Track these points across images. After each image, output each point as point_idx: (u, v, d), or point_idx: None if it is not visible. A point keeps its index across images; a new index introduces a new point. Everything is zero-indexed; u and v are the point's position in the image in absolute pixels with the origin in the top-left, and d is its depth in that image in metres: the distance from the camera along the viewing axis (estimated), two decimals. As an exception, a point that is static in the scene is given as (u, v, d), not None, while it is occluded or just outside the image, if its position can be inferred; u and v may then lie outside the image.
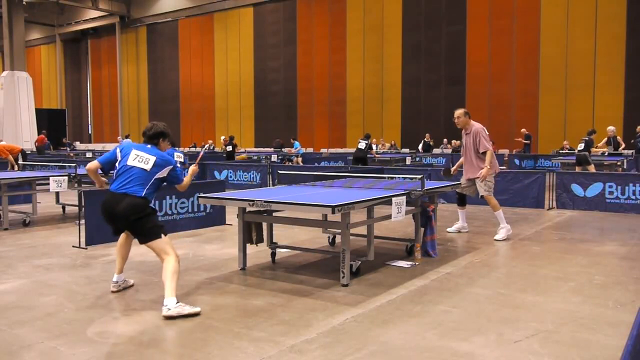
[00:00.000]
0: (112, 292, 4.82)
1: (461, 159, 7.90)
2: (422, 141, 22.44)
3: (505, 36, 23.45)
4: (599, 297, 4.66)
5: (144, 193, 4.48)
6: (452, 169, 7.99)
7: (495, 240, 7.23)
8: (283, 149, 23.23)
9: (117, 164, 4.63)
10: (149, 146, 4.72)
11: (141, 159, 4.58)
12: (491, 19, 23.77)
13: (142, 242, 4.51)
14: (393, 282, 5.15)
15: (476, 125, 7.57)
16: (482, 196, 7.55)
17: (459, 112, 7.70)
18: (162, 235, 4.48)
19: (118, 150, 4.72)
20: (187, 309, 4.21)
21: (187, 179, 4.92)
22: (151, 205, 4.57)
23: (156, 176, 4.58)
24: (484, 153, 7.44)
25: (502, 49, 23.56)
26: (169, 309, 4.16)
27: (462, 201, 8.06)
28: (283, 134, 26.57)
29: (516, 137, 21.54)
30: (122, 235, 4.84)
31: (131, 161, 4.57)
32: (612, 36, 21.07)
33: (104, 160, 4.76)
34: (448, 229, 7.95)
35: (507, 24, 23.39)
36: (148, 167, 4.55)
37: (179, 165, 5.15)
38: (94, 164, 4.76)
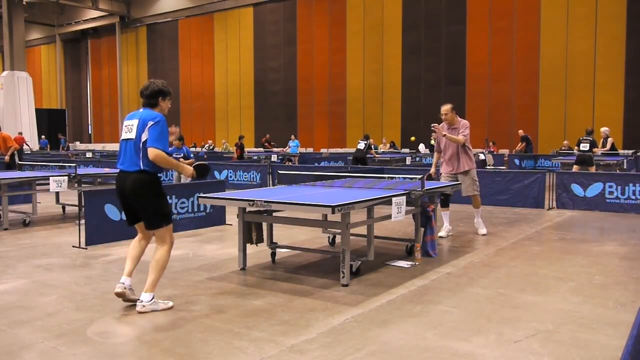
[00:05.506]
0: (116, 293, 4.30)
1: (435, 157, 7.62)
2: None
3: (505, 36, 23.44)
4: (599, 297, 4.66)
5: (141, 165, 4.06)
6: (432, 171, 7.68)
7: (484, 235, 7.51)
8: (273, 146, 23.02)
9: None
10: (141, 110, 4.21)
11: (128, 128, 4.14)
12: (491, 19, 23.76)
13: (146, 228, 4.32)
14: (393, 282, 5.15)
15: (463, 121, 7.41)
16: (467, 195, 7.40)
17: (447, 107, 7.38)
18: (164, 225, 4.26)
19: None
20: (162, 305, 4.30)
21: (174, 161, 4.28)
22: (158, 180, 4.18)
23: (142, 140, 4.04)
24: (464, 145, 7.30)
25: (502, 49, 23.55)
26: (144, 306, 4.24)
27: (446, 202, 7.57)
28: (283, 134, 26.54)
29: (518, 148, 21.24)
30: (138, 236, 4.47)
31: (123, 134, 4.19)
32: (612, 36, 21.06)
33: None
34: (439, 234, 7.27)
35: (507, 24, 23.37)
36: (133, 134, 4.08)
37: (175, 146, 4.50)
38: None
